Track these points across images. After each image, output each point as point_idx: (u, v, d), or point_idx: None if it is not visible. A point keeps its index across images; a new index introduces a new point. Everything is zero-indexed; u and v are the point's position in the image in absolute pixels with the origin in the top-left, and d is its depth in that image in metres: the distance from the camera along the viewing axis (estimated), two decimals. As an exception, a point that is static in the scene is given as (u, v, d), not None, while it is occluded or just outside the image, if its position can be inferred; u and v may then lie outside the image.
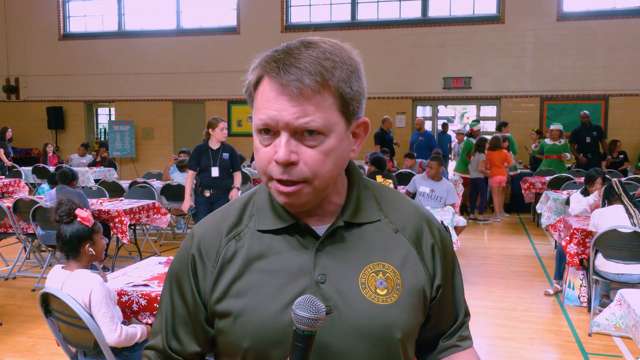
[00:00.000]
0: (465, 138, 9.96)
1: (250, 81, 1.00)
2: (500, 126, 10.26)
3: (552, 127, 9.66)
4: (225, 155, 5.68)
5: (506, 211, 9.94)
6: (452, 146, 11.16)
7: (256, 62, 0.99)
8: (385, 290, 1.02)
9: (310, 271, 1.01)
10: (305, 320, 0.89)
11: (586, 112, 10.18)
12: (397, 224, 1.08)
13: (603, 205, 4.69)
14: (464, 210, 9.96)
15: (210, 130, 5.64)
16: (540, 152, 10.20)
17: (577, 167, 9.71)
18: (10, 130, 11.30)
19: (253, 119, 1.00)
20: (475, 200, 9.44)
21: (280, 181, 0.96)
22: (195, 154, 5.69)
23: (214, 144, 5.67)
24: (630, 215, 4.42)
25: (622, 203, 4.54)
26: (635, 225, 4.33)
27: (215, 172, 5.62)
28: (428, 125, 12.58)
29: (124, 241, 5.66)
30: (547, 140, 9.65)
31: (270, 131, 0.96)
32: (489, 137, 9.71)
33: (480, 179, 9.25)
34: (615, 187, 4.66)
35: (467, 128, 11.69)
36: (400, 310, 1.02)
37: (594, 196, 5.61)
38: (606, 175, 5.80)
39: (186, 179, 5.81)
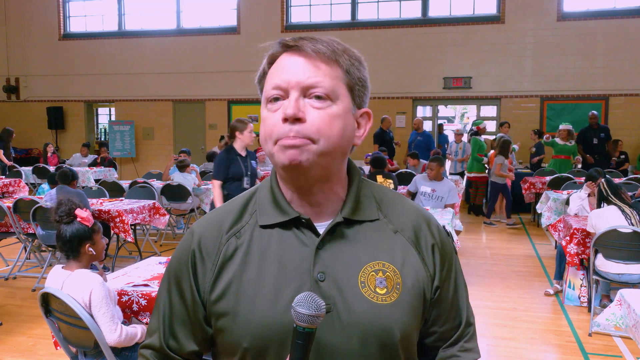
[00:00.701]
0: (472, 137, 9.82)
1: (264, 63, 1.05)
2: (500, 126, 10.22)
3: (561, 127, 9.57)
4: (253, 162, 5.04)
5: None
6: (449, 145, 11.06)
7: (269, 44, 1.05)
8: (385, 290, 1.02)
9: (310, 269, 1.01)
10: (305, 318, 0.89)
11: (594, 112, 10.04)
12: (397, 225, 1.08)
13: (599, 207, 4.68)
14: (473, 209, 9.89)
15: (237, 133, 4.93)
16: (540, 149, 10.15)
17: (579, 168, 9.67)
18: (14, 133, 11.37)
19: (264, 92, 1.03)
20: (494, 204, 9.09)
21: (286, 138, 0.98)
22: (223, 162, 4.90)
23: (241, 150, 4.94)
24: (626, 216, 4.41)
25: (614, 204, 4.52)
26: (633, 225, 4.33)
27: (246, 182, 4.95)
28: (428, 125, 12.57)
29: (128, 239, 5.65)
30: (558, 140, 9.55)
31: (279, 99, 1.00)
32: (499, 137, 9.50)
33: (497, 183, 8.81)
34: (602, 189, 4.64)
35: (469, 127, 11.66)
36: (400, 309, 1.02)
37: (585, 189, 5.67)
38: (607, 176, 5.80)
39: (214, 190, 4.96)
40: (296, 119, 0.96)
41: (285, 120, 0.97)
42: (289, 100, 0.98)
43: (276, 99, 1.00)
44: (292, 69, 0.99)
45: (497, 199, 9.05)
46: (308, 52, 0.99)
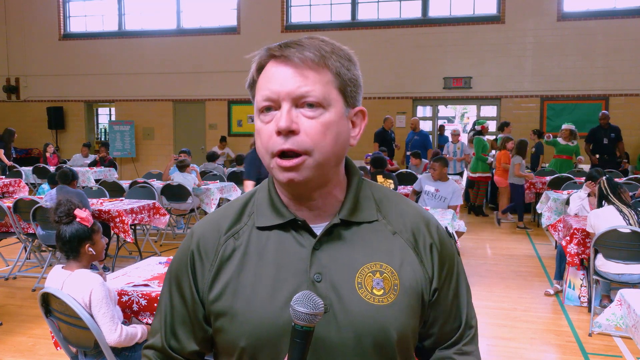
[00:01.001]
0: (475, 137, 9.74)
1: (253, 70, 1.03)
2: (502, 126, 10.13)
3: (563, 126, 9.45)
4: None
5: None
6: (445, 146, 11.01)
7: (257, 53, 1.03)
8: (382, 291, 1.01)
9: (306, 270, 1.01)
10: (303, 316, 0.89)
11: (605, 112, 9.89)
12: (395, 226, 1.08)
13: (600, 205, 4.68)
14: (473, 209, 9.86)
15: None
16: (539, 149, 10.11)
17: (580, 168, 9.61)
18: (16, 134, 11.38)
19: (255, 101, 1.02)
20: (521, 204, 8.82)
21: (282, 155, 0.97)
22: (254, 162, 4.90)
23: None
24: (624, 216, 4.40)
25: (612, 204, 4.51)
26: (631, 226, 4.32)
27: None
28: (428, 125, 12.58)
29: (128, 239, 5.65)
30: (560, 140, 9.44)
31: (271, 109, 0.99)
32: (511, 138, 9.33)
33: (516, 184, 8.63)
34: (603, 187, 4.64)
35: (469, 127, 11.63)
36: (397, 310, 1.01)
37: (585, 189, 5.67)
38: (607, 176, 5.79)
39: (246, 191, 5.02)
40: (289, 131, 0.96)
41: (279, 132, 0.97)
42: (281, 111, 0.97)
43: (268, 109, 0.99)
44: (281, 79, 0.97)
45: (522, 200, 8.82)
46: (295, 61, 0.97)
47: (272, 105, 0.98)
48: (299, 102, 0.97)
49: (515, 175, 8.61)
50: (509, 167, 8.84)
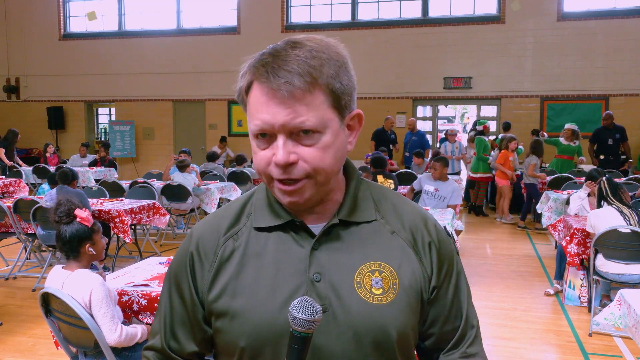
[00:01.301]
0: (476, 137, 9.70)
1: (241, 87, 1.00)
2: (507, 127, 10.08)
3: (566, 126, 9.37)
4: None
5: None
6: (443, 146, 11.00)
7: (245, 67, 0.99)
8: (381, 290, 1.01)
9: (306, 269, 1.01)
10: (301, 322, 0.89)
11: (610, 112, 9.79)
12: (394, 226, 1.08)
13: (600, 205, 4.68)
14: (474, 209, 9.86)
15: None
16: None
17: (581, 168, 9.58)
18: (19, 134, 11.38)
19: (248, 124, 1.00)
20: (528, 206, 8.79)
21: (281, 181, 0.97)
22: None
23: None
24: (625, 217, 4.39)
25: (612, 204, 4.51)
26: (632, 226, 4.32)
27: None
28: (428, 125, 12.58)
29: (127, 240, 5.65)
30: (562, 140, 9.35)
31: (266, 135, 0.96)
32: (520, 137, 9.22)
33: (532, 184, 8.55)
34: (602, 188, 4.64)
35: (469, 127, 11.61)
36: (396, 309, 1.01)
37: (585, 189, 5.67)
38: (607, 175, 5.78)
39: None
40: (288, 164, 0.95)
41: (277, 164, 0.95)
42: (277, 144, 0.95)
43: (263, 135, 0.97)
44: (273, 111, 0.93)
45: (539, 200, 8.77)
46: (284, 94, 0.92)
47: (267, 132, 0.96)
48: (294, 131, 0.94)
49: (529, 175, 8.55)
50: (501, 167, 8.82)
